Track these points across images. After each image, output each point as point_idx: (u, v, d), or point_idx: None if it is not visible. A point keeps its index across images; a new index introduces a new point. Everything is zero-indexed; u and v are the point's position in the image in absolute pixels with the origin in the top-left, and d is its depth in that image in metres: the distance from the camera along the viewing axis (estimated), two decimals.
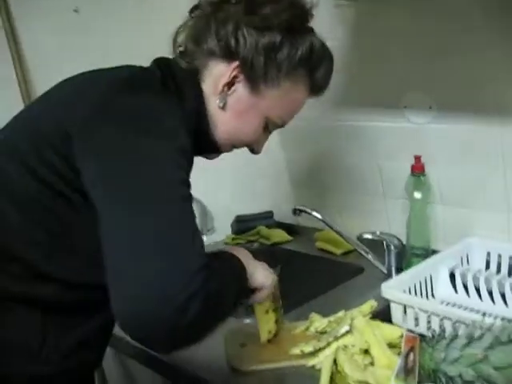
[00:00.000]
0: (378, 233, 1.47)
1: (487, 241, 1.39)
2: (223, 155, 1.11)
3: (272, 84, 1.00)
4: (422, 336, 1.03)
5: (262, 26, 0.96)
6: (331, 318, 1.18)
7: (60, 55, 1.96)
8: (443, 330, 0.98)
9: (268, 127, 1.06)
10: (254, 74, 0.98)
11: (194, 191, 1.89)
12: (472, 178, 1.40)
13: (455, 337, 0.96)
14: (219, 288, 0.82)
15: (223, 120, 1.02)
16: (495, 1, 1.19)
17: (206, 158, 1.10)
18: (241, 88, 1.00)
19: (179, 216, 0.79)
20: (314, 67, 1.03)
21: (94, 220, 0.79)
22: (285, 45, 0.97)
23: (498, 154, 1.33)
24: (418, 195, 1.43)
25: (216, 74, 0.99)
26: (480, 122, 1.33)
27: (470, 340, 0.94)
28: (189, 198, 0.83)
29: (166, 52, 1.04)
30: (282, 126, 1.09)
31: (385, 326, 1.13)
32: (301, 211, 1.53)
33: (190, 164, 0.92)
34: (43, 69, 1.74)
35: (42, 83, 1.02)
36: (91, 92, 0.90)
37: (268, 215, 1.88)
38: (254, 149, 1.10)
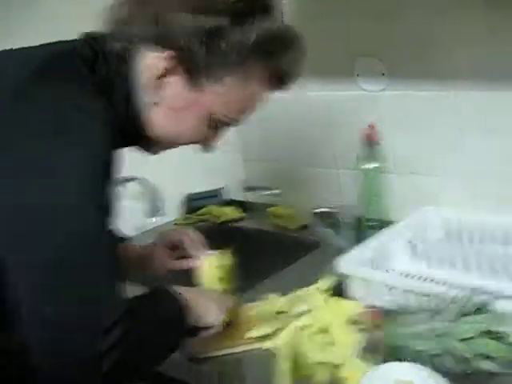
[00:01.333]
0: (332, 206, 1.42)
1: (444, 209, 1.36)
2: None
3: (215, 78, 0.83)
4: (384, 311, 0.99)
5: (205, 7, 0.79)
6: (288, 297, 1.13)
7: None
8: (406, 304, 0.94)
9: (215, 124, 0.90)
10: (194, 66, 0.82)
11: (141, 172, 1.82)
12: (426, 146, 1.36)
13: (419, 310, 0.93)
14: (141, 340, 0.75)
15: (157, 117, 0.86)
16: None
17: (146, 151, 0.95)
18: (177, 81, 0.83)
19: (90, 258, 0.70)
20: (273, 58, 0.86)
21: None
22: (233, 31, 0.80)
23: (453, 120, 1.29)
24: (371, 165, 1.39)
25: (148, 64, 0.82)
26: (434, 87, 1.29)
27: (434, 313, 0.91)
28: (102, 228, 0.72)
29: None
30: (233, 123, 0.92)
31: (344, 303, 1.08)
32: (253, 188, 1.47)
33: (108, 174, 0.76)
34: None
35: None
36: None
37: (219, 192, 1.82)
38: (205, 148, 0.95)
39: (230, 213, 1.74)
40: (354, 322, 1.04)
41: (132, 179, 1.91)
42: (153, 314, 0.80)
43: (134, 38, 0.83)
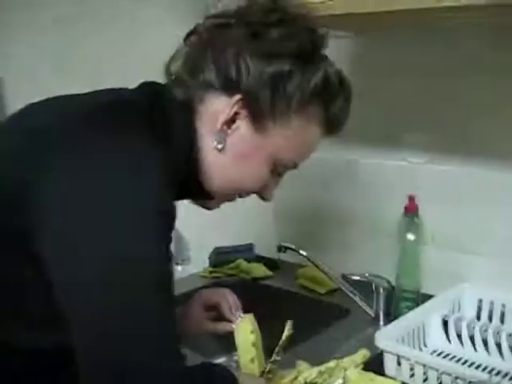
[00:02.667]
0: (366, 274, 1.40)
1: (479, 287, 1.34)
2: None
3: (281, 121, 0.85)
4: None
5: (268, 53, 0.82)
6: (322, 368, 1.10)
7: (37, 69, 1.87)
8: None
9: (277, 170, 0.92)
10: (260, 110, 0.84)
11: None
12: (466, 222, 1.35)
13: None
14: None
15: (221, 165, 0.87)
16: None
17: (204, 207, 0.96)
18: (244, 126, 0.85)
19: (155, 323, 0.69)
20: (330, 100, 0.88)
21: (47, 287, 0.69)
22: (295, 74, 0.83)
23: (494, 199, 1.29)
24: (410, 236, 1.37)
25: (214, 110, 0.84)
26: (476, 166, 1.29)
27: None
28: (168, 286, 0.72)
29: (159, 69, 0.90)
30: (294, 167, 0.94)
31: (379, 379, 1.06)
32: (286, 248, 1.46)
33: (170, 226, 0.76)
34: (16, 83, 1.64)
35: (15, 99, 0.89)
36: (47, 138, 0.74)
37: (248, 248, 1.80)
38: (263, 196, 0.96)
39: (259, 270, 1.73)
40: None
41: None
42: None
43: (201, 84, 0.85)
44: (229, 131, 0.86)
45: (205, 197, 0.92)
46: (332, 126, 0.93)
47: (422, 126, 1.33)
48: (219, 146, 0.86)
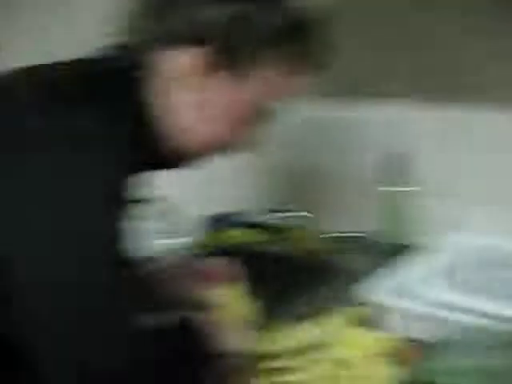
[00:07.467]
0: (356, 229, 1.39)
1: (475, 234, 1.31)
2: None
3: (253, 63, 0.81)
4: (414, 342, 0.95)
5: None
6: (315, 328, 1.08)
7: None
8: (437, 337, 0.90)
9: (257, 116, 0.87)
10: (231, 56, 0.80)
11: (159, 190, 1.79)
12: (457, 168, 1.33)
13: (452, 343, 0.88)
14: None
15: (200, 121, 0.83)
16: None
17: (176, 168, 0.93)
18: (219, 76, 0.81)
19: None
20: (301, 37, 0.84)
21: None
22: (260, 12, 0.79)
23: (484, 142, 1.26)
24: (400, 188, 1.35)
25: (182, 67, 0.80)
26: (466, 110, 1.26)
27: (469, 346, 0.86)
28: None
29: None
30: (271, 115, 0.89)
31: (376, 335, 1.04)
32: (277, 211, 1.44)
33: (120, 201, 0.74)
34: None
35: None
36: None
37: (241, 214, 1.78)
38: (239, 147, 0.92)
39: (254, 236, 1.71)
40: (388, 355, 0.98)
41: (151, 198, 1.90)
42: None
43: (162, 40, 0.81)
44: (205, 84, 0.82)
45: (181, 159, 0.89)
46: (313, 59, 0.87)
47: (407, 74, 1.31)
48: (195, 103, 0.82)
